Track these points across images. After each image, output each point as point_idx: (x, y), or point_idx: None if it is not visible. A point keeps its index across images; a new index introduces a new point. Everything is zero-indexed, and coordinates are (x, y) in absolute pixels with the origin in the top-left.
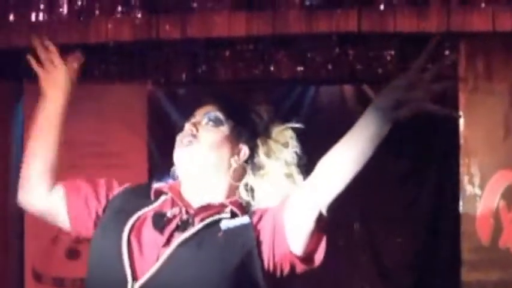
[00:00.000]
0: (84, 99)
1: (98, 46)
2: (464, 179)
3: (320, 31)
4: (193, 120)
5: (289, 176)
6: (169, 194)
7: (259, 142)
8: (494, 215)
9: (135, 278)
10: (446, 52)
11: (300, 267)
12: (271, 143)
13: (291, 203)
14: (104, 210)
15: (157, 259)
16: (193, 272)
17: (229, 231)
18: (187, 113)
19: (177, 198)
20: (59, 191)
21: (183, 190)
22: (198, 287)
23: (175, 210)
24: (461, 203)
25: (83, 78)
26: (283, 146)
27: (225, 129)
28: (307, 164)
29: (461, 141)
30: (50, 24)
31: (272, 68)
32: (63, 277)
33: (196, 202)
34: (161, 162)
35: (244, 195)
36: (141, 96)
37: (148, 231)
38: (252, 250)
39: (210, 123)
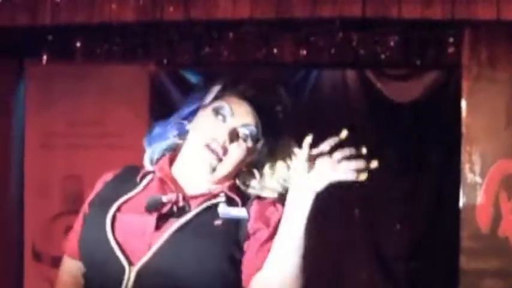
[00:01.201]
0: (87, 79)
1: (101, 26)
2: (466, 167)
3: (324, 15)
4: (230, 125)
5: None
6: (156, 175)
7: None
8: (494, 203)
9: (131, 263)
10: (451, 39)
11: None
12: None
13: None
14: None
15: (150, 244)
16: (189, 259)
17: (226, 221)
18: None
19: (169, 181)
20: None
21: (174, 169)
22: (195, 273)
23: (172, 196)
24: (461, 191)
25: (85, 58)
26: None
27: (250, 144)
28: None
29: (464, 129)
30: (54, 4)
31: (275, 51)
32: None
33: (187, 184)
34: None
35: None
36: (144, 77)
37: (135, 216)
38: (243, 245)
39: (247, 140)
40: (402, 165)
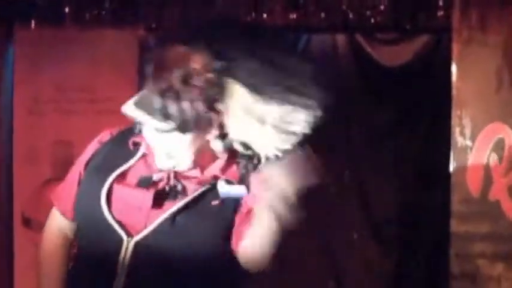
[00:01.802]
0: (75, 44)
1: None
2: (456, 130)
3: None
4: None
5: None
6: (144, 151)
7: None
8: (484, 167)
9: (129, 234)
10: (440, 3)
11: None
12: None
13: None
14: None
15: (147, 220)
16: (188, 239)
17: (225, 200)
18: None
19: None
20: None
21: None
22: (193, 252)
23: (162, 174)
24: (452, 155)
25: (75, 23)
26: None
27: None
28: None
29: (454, 92)
30: None
31: (265, 16)
32: None
33: (167, 164)
34: None
35: (217, 146)
36: (133, 41)
37: (131, 190)
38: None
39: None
40: (392, 129)
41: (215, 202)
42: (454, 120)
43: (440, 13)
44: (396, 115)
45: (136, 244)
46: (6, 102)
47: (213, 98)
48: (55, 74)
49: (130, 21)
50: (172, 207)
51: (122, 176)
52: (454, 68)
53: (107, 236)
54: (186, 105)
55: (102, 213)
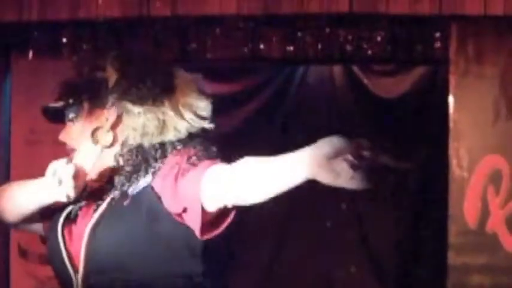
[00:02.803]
0: (73, 74)
1: (87, 22)
2: (453, 162)
3: (311, 11)
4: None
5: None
6: None
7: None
8: (482, 199)
9: (76, 271)
10: (438, 35)
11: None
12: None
13: (211, 178)
14: None
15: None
16: (114, 249)
17: (134, 197)
18: None
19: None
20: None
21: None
22: (126, 261)
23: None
24: (449, 186)
25: (72, 53)
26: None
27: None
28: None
29: (451, 124)
30: None
31: (262, 47)
32: None
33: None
34: None
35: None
36: None
37: (76, 222)
38: (157, 208)
39: (68, 123)
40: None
41: (127, 201)
42: (451, 152)
43: (437, 45)
44: (394, 146)
45: (83, 278)
46: (3, 132)
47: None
48: None
49: None
50: (88, 226)
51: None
52: (451, 100)
53: (64, 273)
54: None
55: (59, 248)
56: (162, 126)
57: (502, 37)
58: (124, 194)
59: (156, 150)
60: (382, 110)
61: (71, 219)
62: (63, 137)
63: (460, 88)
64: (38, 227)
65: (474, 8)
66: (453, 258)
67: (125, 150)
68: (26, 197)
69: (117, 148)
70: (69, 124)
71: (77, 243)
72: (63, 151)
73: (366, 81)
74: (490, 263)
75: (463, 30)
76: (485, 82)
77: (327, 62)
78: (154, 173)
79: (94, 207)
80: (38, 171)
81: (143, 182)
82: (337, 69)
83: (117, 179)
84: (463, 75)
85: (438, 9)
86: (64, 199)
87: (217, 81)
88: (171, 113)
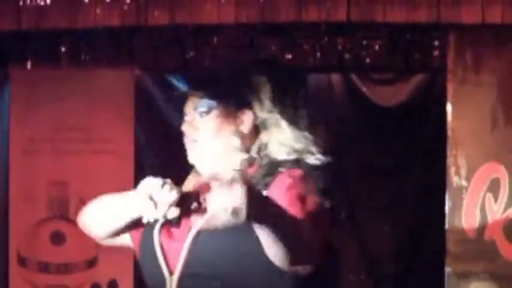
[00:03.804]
0: (72, 84)
1: (86, 31)
2: (451, 170)
3: (309, 19)
4: (187, 119)
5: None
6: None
7: (254, 98)
8: (480, 207)
9: (171, 273)
10: (435, 43)
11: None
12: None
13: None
14: None
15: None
16: (218, 254)
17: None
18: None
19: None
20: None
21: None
22: (227, 267)
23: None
24: (447, 195)
25: (70, 63)
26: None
27: (217, 110)
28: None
29: (449, 132)
30: (38, 9)
31: (260, 56)
32: (48, 262)
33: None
34: (148, 148)
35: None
36: (129, 82)
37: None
38: None
39: (203, 115)
40: (388, 168)
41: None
42: (450, 160)
43: (435, 53)
44: (392, 155)
45: (179, 280)
46: (2, 142)
47: None
48: (51, 114)
49: (126, 61)
50: (194, 227)
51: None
52: (449, 108)
53: (156, 276)
54: None
55: (155, 252)
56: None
57: (499, 45)
58: None
59: (282, 164)
60: (380, 118)
61: (170, 222)
62: (186, 128)
63: (458, 96)
64: (126, 240)
65: (472, 16)
66: (451, 266)
67: (257, 159)
68: (114, 213)
69: (244, 154)
70: (196, 117)
71: (177, 245)
72: (61, 160)
73: (364, 89)
74: (489, 271)
75: (461, 39)
76: (483, 90)
77: (325, 71)
78: (266, 185)
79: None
80: (36, 180)
81: None
82: (335, 78)
83: None
84: (461, 83)
85: (436, 18)
86: (160, 218)
87: None
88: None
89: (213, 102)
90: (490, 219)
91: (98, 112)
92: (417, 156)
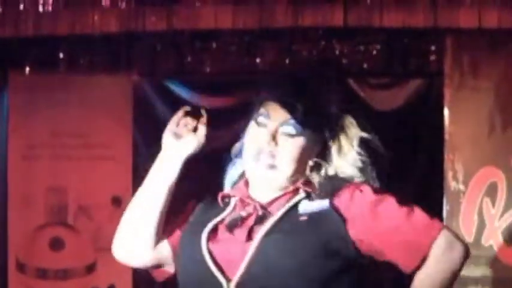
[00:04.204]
0: (70, 89)
1: (84, 37)
2: (449, 174)
3: (306, 25)
4: (270, 128)
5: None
6: (237, 197)
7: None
8: (478, 211)
9: (228, 279)
10: (433, 48)
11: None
12: (342, 138)
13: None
14: None
15: (243, 256)
16: (282, 260)
17: (311, 215)
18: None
19: (247, 199)
20: (166, 246)
21: (251, 190)
22: (290, 274)
23: (249, 208)
24: (445, 199)
25: (69, 68)
26: (351, 144)
27: (302, 139)
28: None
29: (446, 136)
30: (37, 15)
31: (258, 61)
32: (47, 268)
33: (265, 198)
34: (146, 153)
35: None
36: (127, 87)
37: (226, 234)
38: (339, 231)
39: (288, 137)
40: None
41: (303, 218)
42: (447, 165)
43: (432, 58)
44: (389, 159)
45: (237, 286)
46: (1, 147)
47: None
48: (49, 120)
49: (124, 67)
50: (261, 232)
51: (220, 225)
52: (446, 113)
53: (208, 285)
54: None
55: (202, 261)
56: None
57: (496, 50)
58: (296, 212)
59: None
60: (377, 123)
61: (219, 229)
62: (263, 135)
63: (455, 101)
64: (166, 251)
65: (469, 21)
66: None
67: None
68: (145, 201)
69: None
70: (279, 131)
71: (234, 251)
72: (60, 166)
73: (361, 94)
74: (487, 275)
75: (458, 43)
76: (480, 94)
77: (322, 75)
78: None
79: (255, 216)
80: (35, 186)
81: (317, 204)
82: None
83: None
84: (458, 88)
85: (433, 23)
86: (191, 150)
87: (213, 95)
88: None
89: (300, 128)
90: (487, 223)
91: (97, 118)
92: (414, 160)
